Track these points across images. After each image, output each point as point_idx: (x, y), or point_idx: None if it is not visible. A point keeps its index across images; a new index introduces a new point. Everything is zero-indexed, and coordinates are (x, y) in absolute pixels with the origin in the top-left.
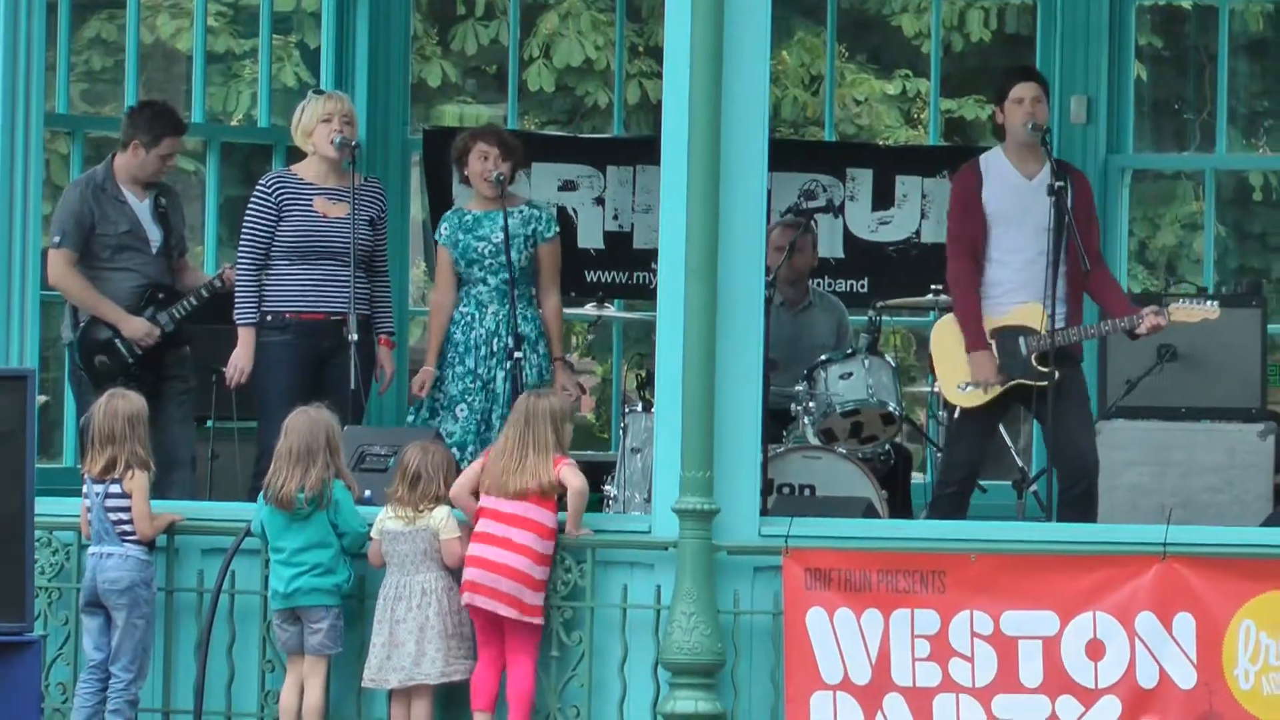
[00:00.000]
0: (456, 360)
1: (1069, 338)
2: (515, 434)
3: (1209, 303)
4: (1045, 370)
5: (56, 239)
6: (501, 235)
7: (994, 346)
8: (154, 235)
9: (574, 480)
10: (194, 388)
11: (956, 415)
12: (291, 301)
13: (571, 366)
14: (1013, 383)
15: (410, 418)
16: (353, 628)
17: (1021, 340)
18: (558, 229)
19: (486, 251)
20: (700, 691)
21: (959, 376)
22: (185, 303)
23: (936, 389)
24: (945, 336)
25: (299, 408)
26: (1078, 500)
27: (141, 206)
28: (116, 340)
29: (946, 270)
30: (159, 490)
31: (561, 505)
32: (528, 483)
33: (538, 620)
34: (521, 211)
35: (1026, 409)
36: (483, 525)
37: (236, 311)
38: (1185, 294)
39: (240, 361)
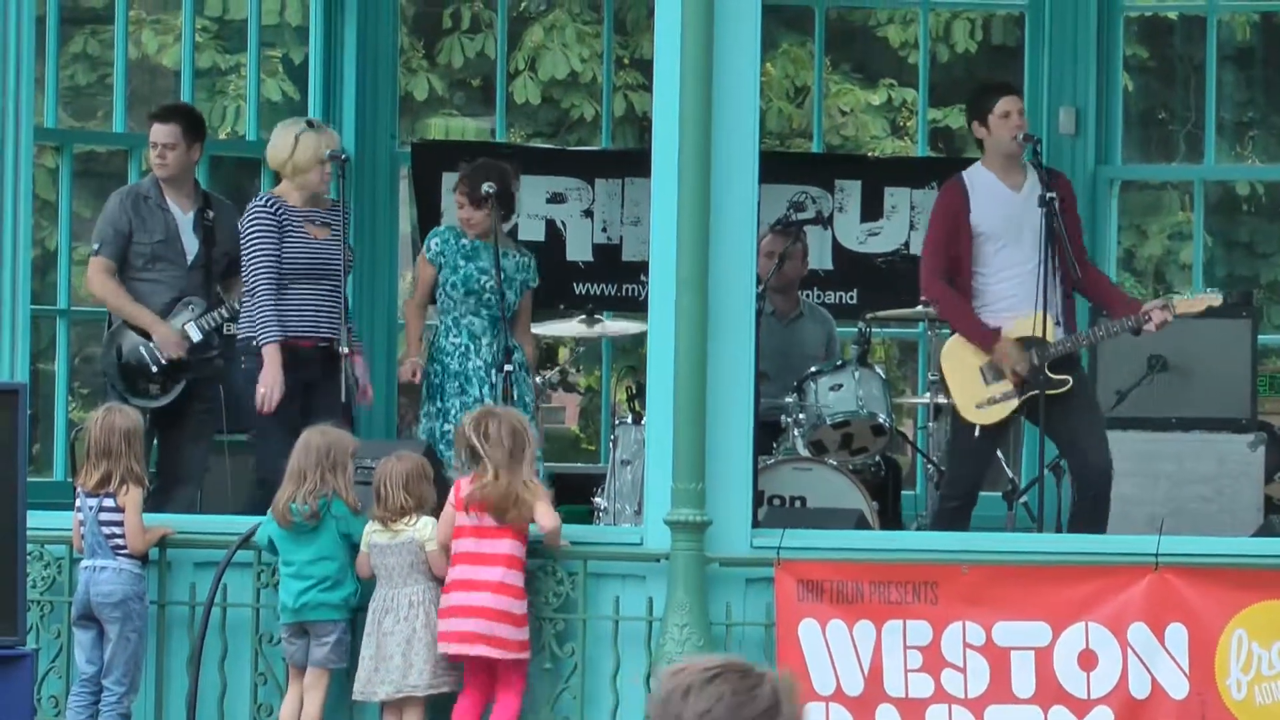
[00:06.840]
0: (459, 391)
1: (1077, 344)
2: (500, 458)
3: (1210, 290)
4: (1059, 378)
5: (96, 246)
6: (500, 272)
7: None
8: (190, 247)
9: (547, 522)
10: (216, 407)
11: (976, 433)
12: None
13: (566, 376)
14: (1030, 394)
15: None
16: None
17: (1033, 352)
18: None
19: (488, 286)
20: None
21: (976, 395)
22: (215, 315)
23: (928, 400)
24: (956, 355)
25: (312, 427)
26: (1093, 502)
27: (185, 218)
28: (141, 348)
29: (924, 288)
30: (160, 504)
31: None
32: (518, 512)
33: (525, 655)
34: (515, 257)
35: (1031, 421)
36: (456, 572)
37: (262, 331)
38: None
39: (270, 380)
